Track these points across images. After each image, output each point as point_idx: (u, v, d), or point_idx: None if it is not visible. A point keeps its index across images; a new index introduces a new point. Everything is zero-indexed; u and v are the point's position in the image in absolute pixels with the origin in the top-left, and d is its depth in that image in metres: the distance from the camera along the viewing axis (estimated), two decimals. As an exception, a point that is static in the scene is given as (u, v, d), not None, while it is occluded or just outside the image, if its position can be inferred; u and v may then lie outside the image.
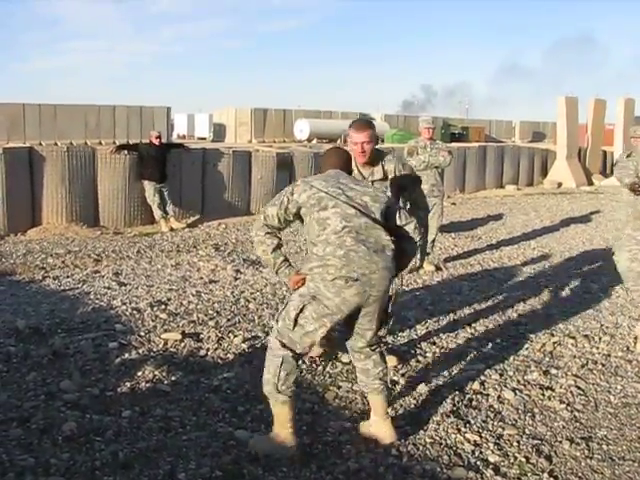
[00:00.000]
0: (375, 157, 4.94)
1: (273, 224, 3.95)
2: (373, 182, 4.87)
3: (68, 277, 8.20)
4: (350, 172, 4.25)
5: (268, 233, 3.97)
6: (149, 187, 12.33)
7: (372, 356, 4.03)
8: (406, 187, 5.15)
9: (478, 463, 3.90)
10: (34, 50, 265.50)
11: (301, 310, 3.76)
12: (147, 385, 4.84)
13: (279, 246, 4.02)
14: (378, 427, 4.08)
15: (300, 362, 4.20)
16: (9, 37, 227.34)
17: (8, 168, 11.52)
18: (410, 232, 4.00)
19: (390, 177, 4.98)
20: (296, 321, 3.77)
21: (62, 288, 7.65)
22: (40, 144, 15.03)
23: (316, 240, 3.77)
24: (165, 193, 12.43)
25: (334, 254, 3.67)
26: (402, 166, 5.08)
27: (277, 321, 3.91)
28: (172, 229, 12.09)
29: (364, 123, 4.88)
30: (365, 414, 4.41)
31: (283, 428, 3.86)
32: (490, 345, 5.92)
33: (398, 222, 3.96)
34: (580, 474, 3.80)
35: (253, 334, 5.91)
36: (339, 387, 4.86)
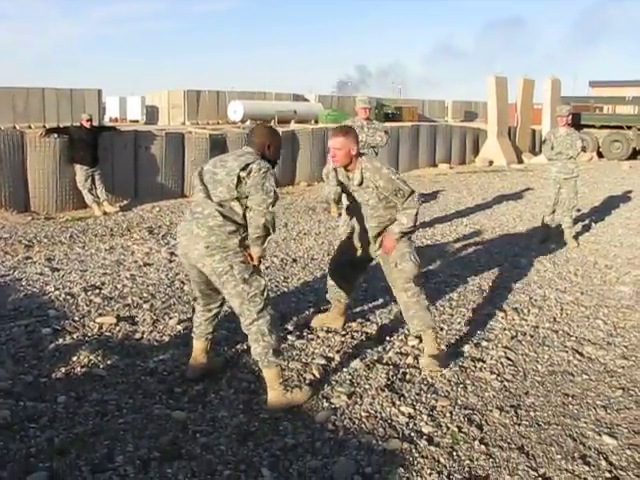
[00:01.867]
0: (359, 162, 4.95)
1: None
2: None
3: (-2, 264, 8.03)
4: (262, 149, 4.38)
5: None
6: (80, 172, 12.11)
7: (248, 334, 4.32)
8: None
9: (412, 434, 4.01)
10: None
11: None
12: (82, 370, 4.81)
13: None
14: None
15: (212, 320, 4.69)
16: None
17: None
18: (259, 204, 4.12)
19: (369, 186, 4.94)
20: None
21: (-8, 275, 7.49)
22: (-35, 128, 14.63)
23: None
24: (97, 177, 12.23)
25: (180, 219, 4.35)
26: (379, 177, 4.88)
27: None
28: (105, 213, 11.91)
29: (338, 130, 5.01)
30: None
31: (192, 357, 4.73)
32: (423, 320, 6.03)
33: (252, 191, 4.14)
34: (509, 440, 3.95)
35: (188, 316, 5.88)
36: (275, 365, 4.90)
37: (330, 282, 5.69)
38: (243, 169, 4.14)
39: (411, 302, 5.04)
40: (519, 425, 4.13)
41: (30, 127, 24.24)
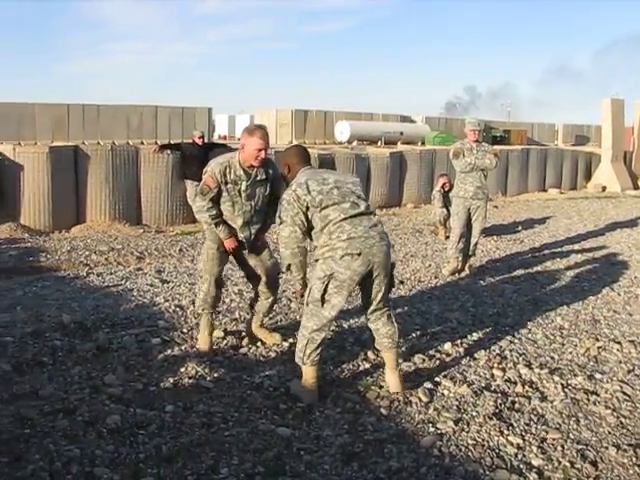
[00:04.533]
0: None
1: (302, 230, 4.55)
2: (257, 180, 5.25)
3: (111, 274, 8.31)
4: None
5: (299, 247, 4.60)
6: (191, 187, 12.41)
7: (381, 318, 4.75)
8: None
9: (521, 466, 3.85)
10: (78, 51, 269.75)
11: (325, 289, 4.50)
12: (190, 381, 4.89)
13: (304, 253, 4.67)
14: (387, 377, 4.84)
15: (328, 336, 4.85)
16: (54, 39, 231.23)
17: (54, 167, 11.73)
18: None
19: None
20: (323, 299, 4.51)
21: (106, 284, 7.75)
22: (83, 143, 15.28)
23: (320, 232, 4.49)
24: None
25: (339, 239, 4.41)
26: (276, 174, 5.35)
27: (306, 305, 4.65)
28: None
29: (266, 131, 5.15)
30: (408, 415, 4.43)
31: (308, 383, 4.65)
32: (533, 348, 5.86)
33: None
34: (627, 481, 3.73)
35: (295, 333, 5.89)
36: (380, 387, 4.84)
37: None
38: None
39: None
40: (639, 467, 3.90)
41: (142, 143, 25.06)
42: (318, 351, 4.62)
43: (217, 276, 5.54)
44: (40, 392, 4.55)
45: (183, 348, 5.54)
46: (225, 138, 47.81)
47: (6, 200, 11.72)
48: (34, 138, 28.14)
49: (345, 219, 4.44)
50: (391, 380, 4.79)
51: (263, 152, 5.05)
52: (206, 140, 14.50)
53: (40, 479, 3.45)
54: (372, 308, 4.71)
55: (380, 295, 4.66)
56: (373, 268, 4.51)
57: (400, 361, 4.95)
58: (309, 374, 4.64)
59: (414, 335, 6.04)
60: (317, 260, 4.56)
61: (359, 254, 4.40)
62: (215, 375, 5.00)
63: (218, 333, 5.84)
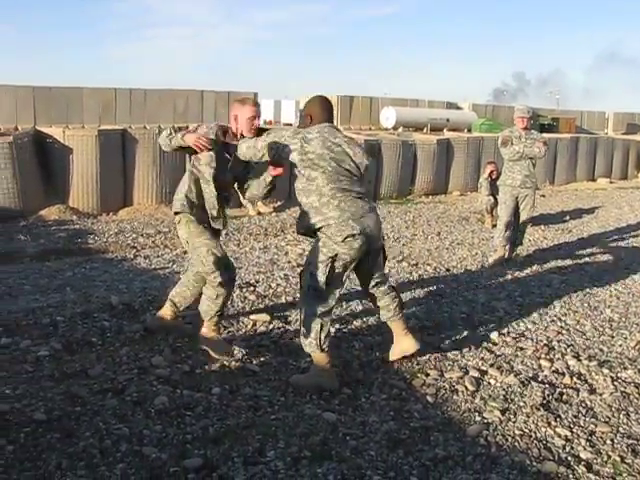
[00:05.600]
0: None
1: (259, 156, 4.76)
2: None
3: (158, 257, 8.39)
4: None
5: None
6: (237, 171, 12.45)
7: (389, 293, 4.83)
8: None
9: (569, 459, 3.79)
10: (125, 36, 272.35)
11: (330, 271, 4.44)
12: (236, 364, 4.91)
13: None
14: (401, 343, 4.89)
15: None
16: (103, 24, 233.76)
17: (102, 150, 11.85)
18: None
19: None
20: (327, 281, 4.44)
21: (153, 267, 7.84)
22: (130, 127, 15.41)
23: (308, 188, 4.65)
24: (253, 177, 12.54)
25: (334, 217, 4.44)
26: None
27: (307, 290, 4.55)
28: (259, 213, 12.20)
29: (254, 99, 5.19)
30: (454, 403, 4.40)
31: (326, 369, 4.55)
32: (581, 340, 5.77)
33: None
34: (681, 478, 3.65)
35: (341, 318, 5.90)
36: (427, 374, 4.82)
37: None
38: None
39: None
40: (691, 462, 3.81)
41: (187, 127, 25.23)
42: (329, 334, 4.62)
43: (224, 263, 5.03)
44: (89, 371, 4.62)
45: (229, 331, 5.57)
46: (271, 123, 47.96)
47: (55, 182, 11.89)
48: (82, 121, 28.54)
49: (338, 191, 4.45)
50: (406, 342, 4.88)
51: (257, 120, 4.90)
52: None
53: (91, 456, 3.52)
54: (374, 283, 4.78)
55: (377, 268, 4.78)
56: (370, 243, 4.56)
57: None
58: (325, 359, 4.56)
59: (460, 323, 5.99)
60: (315, 233, 4.55)
61: (359, 233, 4.43)
62: (261, 359, 5.02)
63: (265, 317, 5.87)
